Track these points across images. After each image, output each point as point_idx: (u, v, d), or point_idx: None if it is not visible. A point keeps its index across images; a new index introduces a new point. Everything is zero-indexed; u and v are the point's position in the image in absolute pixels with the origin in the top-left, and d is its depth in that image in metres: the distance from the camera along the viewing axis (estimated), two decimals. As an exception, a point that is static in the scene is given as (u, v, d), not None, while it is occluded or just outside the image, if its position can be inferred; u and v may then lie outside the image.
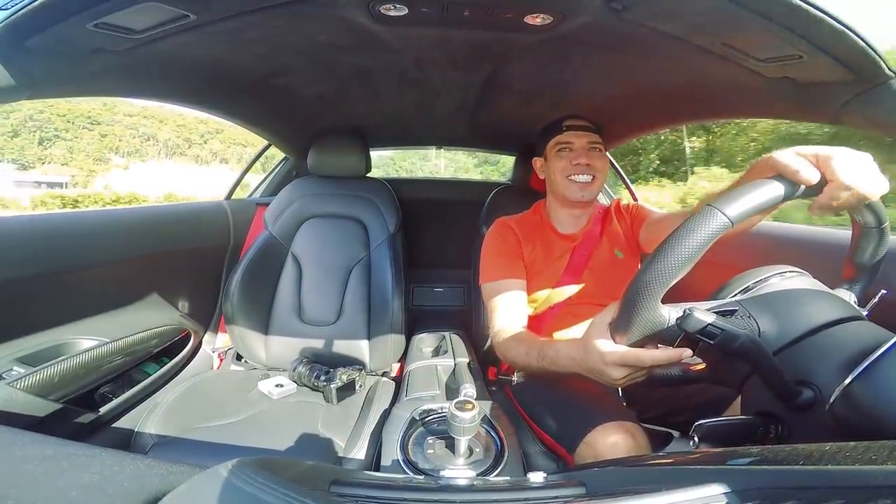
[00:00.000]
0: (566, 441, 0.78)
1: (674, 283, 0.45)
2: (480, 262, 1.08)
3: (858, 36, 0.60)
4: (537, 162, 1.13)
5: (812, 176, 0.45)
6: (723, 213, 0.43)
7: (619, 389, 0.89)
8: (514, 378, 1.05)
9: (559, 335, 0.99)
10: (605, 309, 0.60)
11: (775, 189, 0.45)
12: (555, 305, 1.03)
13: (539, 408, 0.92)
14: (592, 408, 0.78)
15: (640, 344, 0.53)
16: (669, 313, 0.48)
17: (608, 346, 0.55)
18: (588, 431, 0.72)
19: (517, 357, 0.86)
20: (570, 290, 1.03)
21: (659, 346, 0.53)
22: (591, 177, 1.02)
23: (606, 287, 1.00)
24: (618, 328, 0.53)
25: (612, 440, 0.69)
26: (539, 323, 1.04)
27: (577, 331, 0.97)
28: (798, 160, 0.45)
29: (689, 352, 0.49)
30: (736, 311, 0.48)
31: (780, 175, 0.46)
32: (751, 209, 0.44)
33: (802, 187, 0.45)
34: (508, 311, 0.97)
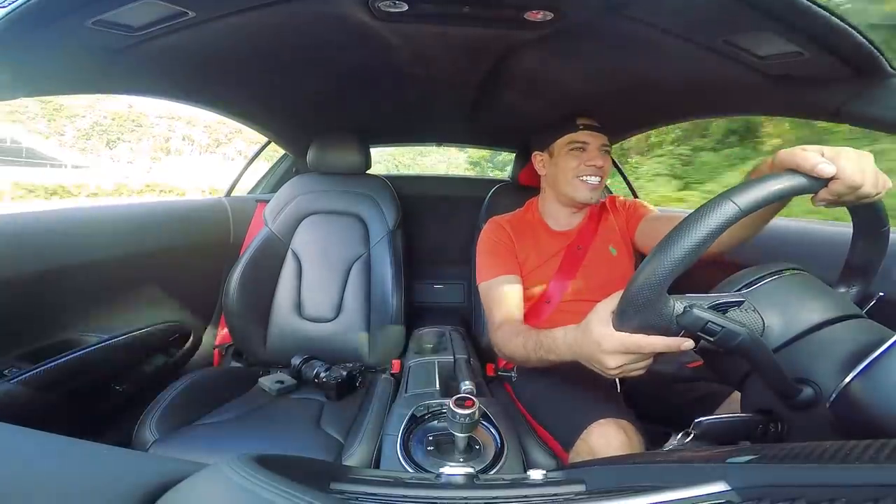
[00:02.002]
0: (563, 437, 0.78)
1: (681, 271, 0.44)
2: (476, 263, 1.07)
3: (860, 33, 0.59)
4: (538, 157, 1.11)
5: (829, 169, 0.45)
6: (734, 202, 0.43)
7: (618, 386, 0.89)
8: (514, 374, 1.05)
9: None
10: (608, 297, 0.58)
11: (787, 181, 0.45)
12: (549, 303, 1.03)
13: (538, 404, 0.92)
14: (590, 404, 0.78)
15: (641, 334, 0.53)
16: (675, 304, 0.47)
17: (608, 333, 0.55)
18: (584, 428, 0.72)
19: (515, 350, 0.86)
20: (564, 287, 1.02)
21: None
22: (600, 178, 1.01)
23: (600, 284, 1.00)
24: (621, 316, 0.52)
25: (607, 437, 0.69)
26: (534, 320, 1.03)
27: None
28: (812, 154, 0.46)
29: (689, 342, 0.49)
30: (743, 301, 0.48)
31: (794, 170, 0.46)
32: (761, 199, 0.43)
33: (813, 181, 0.46)
34: (505, 307, 0.96)
